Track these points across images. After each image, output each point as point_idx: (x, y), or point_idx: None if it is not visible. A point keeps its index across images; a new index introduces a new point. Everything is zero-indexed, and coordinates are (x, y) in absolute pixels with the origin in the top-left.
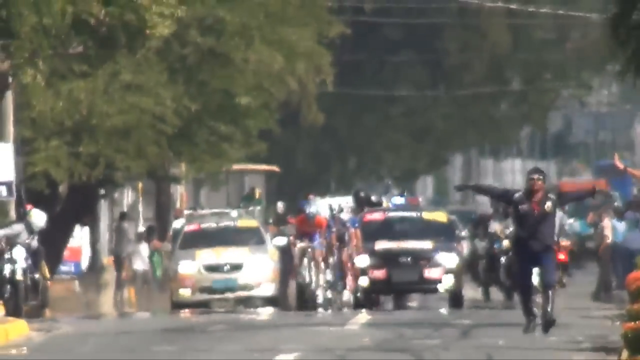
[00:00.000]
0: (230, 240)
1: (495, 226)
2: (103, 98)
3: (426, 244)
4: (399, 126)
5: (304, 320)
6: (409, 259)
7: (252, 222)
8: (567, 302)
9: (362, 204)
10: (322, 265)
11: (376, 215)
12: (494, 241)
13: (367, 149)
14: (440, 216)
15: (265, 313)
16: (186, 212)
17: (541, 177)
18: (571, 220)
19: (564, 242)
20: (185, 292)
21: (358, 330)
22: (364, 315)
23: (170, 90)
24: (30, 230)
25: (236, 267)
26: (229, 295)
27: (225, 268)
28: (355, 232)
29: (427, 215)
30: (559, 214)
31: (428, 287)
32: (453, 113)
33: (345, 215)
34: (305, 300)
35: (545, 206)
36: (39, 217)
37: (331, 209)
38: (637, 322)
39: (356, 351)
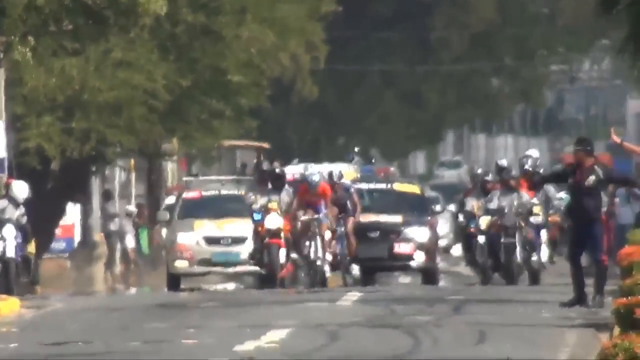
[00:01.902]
0: (233, 211)
1: (472, 203)
2: (95, 74)
3: (396, 218)
4: (389, 101)
5: (295, 297)
6: (377, 233)
7: None
8: (558, 278)
9: (265, 176)
10: (328, 239)
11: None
12: (469, 219)
13: (358, 125)
14: (413, 188)
15: (258, 290)
16: (186, 179)
17: (581, 148)
18: (562, 194)
19: (553, 218)
20: (182, 264)
21: (350, 306)
22: (355, 292)
23: (161, 67)
24: (15, 203)
25: (238, 240)
26: (229, 269)
27: (227, 241)
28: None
29: (398, 187)
30: (549, 188)
31: (398, 263)
32: (444, 89)
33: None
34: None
35: (587, 179)
36: (20, 189)
37: (331, 176)
38: (629, 298)
39: (348, 327)
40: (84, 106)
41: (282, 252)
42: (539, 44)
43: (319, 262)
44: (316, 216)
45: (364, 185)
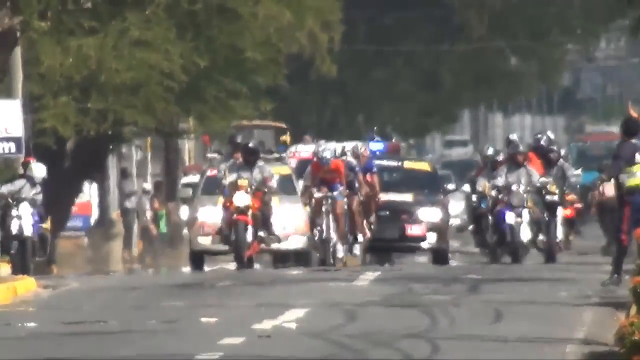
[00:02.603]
0: None
1: (482, 183)
2: (112, 54)
3: (407, 197)
4: (407, 81)
5: (312, 275)
6: (387, 213)
7: (283, 169)
8: (576, 257)
9: (237, 150)
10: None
11: None
12: (480, 200)
13: (376, 105)
14: (424, 165)
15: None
16: (210, 155)
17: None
18: (579, 171)
19: (571, 197)
20: (205, 241)
21: (367, 285)
22: (373, 271)
23: (178, 46)
24: (32, 183)
25: None
26: None
27: None
28: (372, 177)
29: (408, 164)
30: (564, 165)
31: (409, 244)
32: (461, 68)
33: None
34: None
35: None
36: (38, 169)
37: (334, 153)
38: None
39: (366, 306)
40: (100, 86)
41: (250, 230)
42: (555, 24)
43: (333, 241)
44: (329, 194)
45: (374, 162)
